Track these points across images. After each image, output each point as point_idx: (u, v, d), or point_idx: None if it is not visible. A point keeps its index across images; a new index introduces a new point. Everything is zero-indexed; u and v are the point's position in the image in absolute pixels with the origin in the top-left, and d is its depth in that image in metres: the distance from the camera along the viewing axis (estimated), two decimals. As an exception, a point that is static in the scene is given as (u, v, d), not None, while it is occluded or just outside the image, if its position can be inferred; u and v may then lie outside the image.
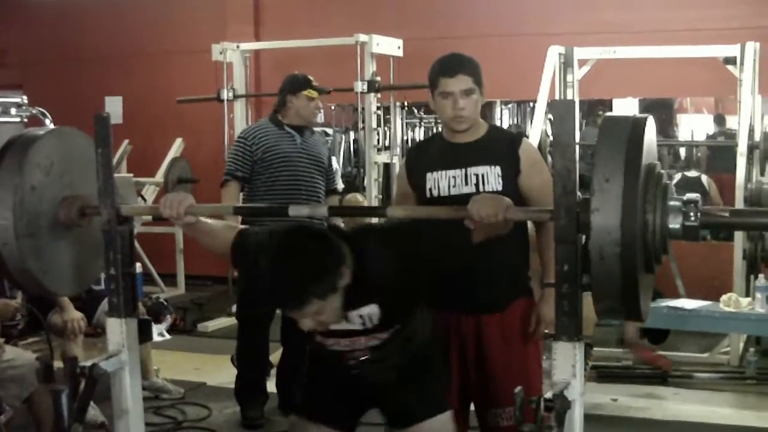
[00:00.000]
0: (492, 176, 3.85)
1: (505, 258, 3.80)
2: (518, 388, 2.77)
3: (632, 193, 2.59)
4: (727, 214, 2.84)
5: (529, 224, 4.02)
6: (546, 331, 3.87)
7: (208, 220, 3.45)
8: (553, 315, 3.56)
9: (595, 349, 6.48)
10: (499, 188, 3.80)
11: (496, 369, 3.91)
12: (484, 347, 3.91)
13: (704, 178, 9.84)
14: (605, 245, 2.60)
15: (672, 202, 2.71)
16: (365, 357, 3.36)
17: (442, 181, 3.88)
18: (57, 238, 3.48)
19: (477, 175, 3.86)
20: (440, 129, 4.19)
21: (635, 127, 2.70)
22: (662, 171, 2.76)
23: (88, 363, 3.26)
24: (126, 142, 10.15)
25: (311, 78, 6.03)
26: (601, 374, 6.93)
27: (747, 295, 7.07)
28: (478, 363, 3.93)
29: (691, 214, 2.70)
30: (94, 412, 5.04)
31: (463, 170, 3.87)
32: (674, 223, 2.68)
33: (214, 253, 3.52)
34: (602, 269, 2.63)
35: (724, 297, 6.85)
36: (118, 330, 3.45)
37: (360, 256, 3.16)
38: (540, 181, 3.84)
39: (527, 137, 4.28)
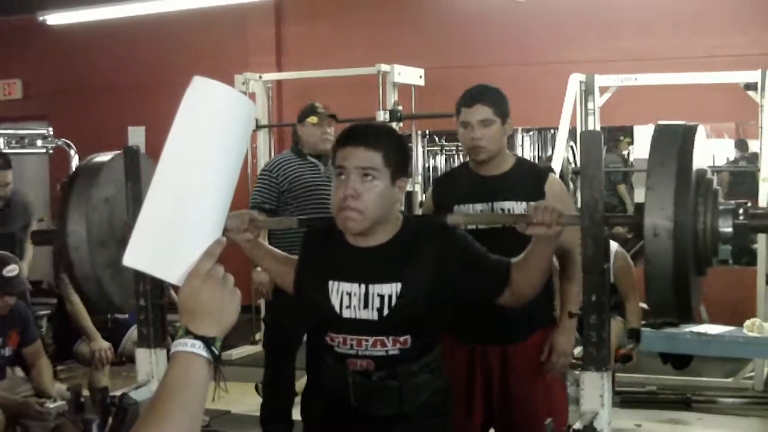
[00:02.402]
0: (519, 212, 3.82)
1: None
2: (548, 420, 2.78)
3: (684, 197, 2.64)
4: None
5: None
6: (559, 361, 3.87)
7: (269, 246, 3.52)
8: (567, 345, 3.58)
9: (618, 374, 6.47)
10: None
11: (521, 399, 3.90)
12: (509, 377, 3.92)
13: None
14: (659, 247, 2.64)
15: (722, 206, 2.76)
16: (369, 368, 3.05)
17: (468, 213, 3.88)
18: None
19: (504, 210, 3.87)
20: (464, 158, 4.22)
21: (686, 134, 2.78)
22: (712, 177, 2.81)
23: (118, 393, 3.29)
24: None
25: (317, 105, 6.06)
26: (624, 399, 6.92)
27: (769, 320, 7.06)
28: (503, 394, 3.93)
29: (741, 215, 2.75)
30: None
31: (490, 205, 3.88)
32: (725, 226, 2.73)
33: (278, 282, 3.49)
34: (658, 273, 2.68)
35: (747, 322, 6.83)
36: (147, 360, 3.48)
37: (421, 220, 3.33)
38: None
39: (554, 172, 4.26)
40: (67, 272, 3.41)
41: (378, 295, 3.01)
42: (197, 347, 1.67)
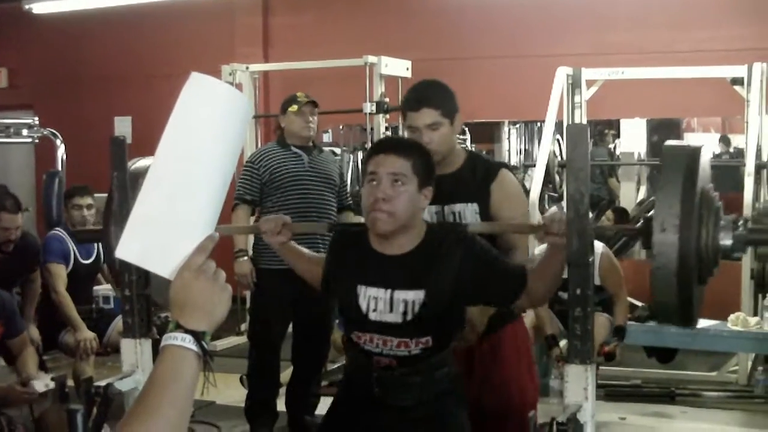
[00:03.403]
0: (469, 213, 3.76)
1: None
2: (532, 413, 2.79)
3: (689, 214, 2.77)
4: None
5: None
6: (467, 331, 3.68)
7: (299, 246, 3.65)
8: (477, 316, 3.57)
9: (602, 368, 6.49)
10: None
11: (496, 385, 3.87)
12: (485, 365, 3.87)
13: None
14: (665, 259, 2.77)
15: (723, 222, 2.90)
16: (391, 365, 3.26)
17: (425, 218, 3.64)
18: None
19: (454, 213, 3.78)
20: None
21: (692, 156, 2.88)
22: (715, 194, 2.96)
23: (103, 383, 3.29)
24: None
25: (298, 94, 6.03)
26: (609, 393, 6.94)
27: (755, 314, 7.10)
28: (480, 382, 3.89)
29: (741, 230, 2.92)
30: (106, 432, 5.07)
31: (442, 207, 3.76)
32: (725, 240, 2.89)
33: (306, 280, 3.63)
34: (662, 282, 2.79)
35: (732, 316, 6.88)
36: (132, 350, 3.50)
37: (443, 227, 3.40)
38: (507, 216, 3.73)
39: (508, 167, 4.03)
40: (111, 271, 3.54)
41: (403, 300, 3.22)
42: (187, 341, 1.68)
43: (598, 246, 6.14)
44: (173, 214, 1.77)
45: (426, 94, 3.79)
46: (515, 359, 3.93)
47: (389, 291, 3.23)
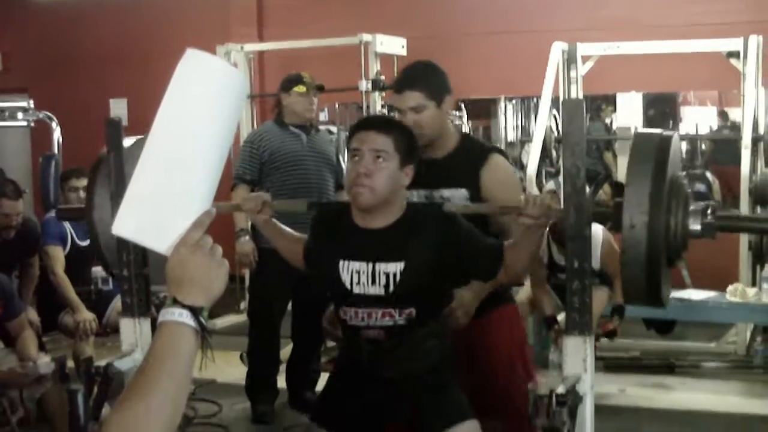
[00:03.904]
0: (458, 199, 3.69)
1: None
2: (531, 384, 2.80)
3: (657, 202, 2.79)
4: (744, 216, 3.08)
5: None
6: (460, 315, 3.62)
7: (281, 225, 3.67)
8: (469, 299, 3.57)
9: (601, 339, 6.51)
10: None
11: (482, 379, 3.77)
12: (465, 352, 3.73)
13: (708, 175, 9.88)
14: (634, 242, 2.80)
15: (692, 207, 2.92)
16: (379, 338, 3.29)
17: (412, 200, 3.63)
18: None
19: (443, 198, 3.71)
20: None
21: (662, 143, 2.90)
22: (684, 181, 2.99)
23: (103, 363, 3.30)
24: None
25: (303, 75, 6.05)
26: (608, 365, 6.97)
27: (753, 285, 7.13)
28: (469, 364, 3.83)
29: (709, 216, 2.93)
30: (106, 411, 5.06)
31: (430, 192, 3.71)
32: (694, 225, 2.91)
33: (288, 258, 3.69)
34: (631, 263, 2.83)
35: (730, 287, 6.90)
36: (131, 330, 3.50)
37: (424, 205, 3.46)
38: (500, 200, 3.66)
39: (501, 152, 3.97)
40: (94, 244, 3.61)
41: (384, 272, 3.27)
42: (184, 316, 1.68)
43: (598, 231, 6.15)
44: (169, 190, 1.76)
45: (411, 76, 3.75)
46: (505, 342, 3.89)
47: (371, 264, 3.28)
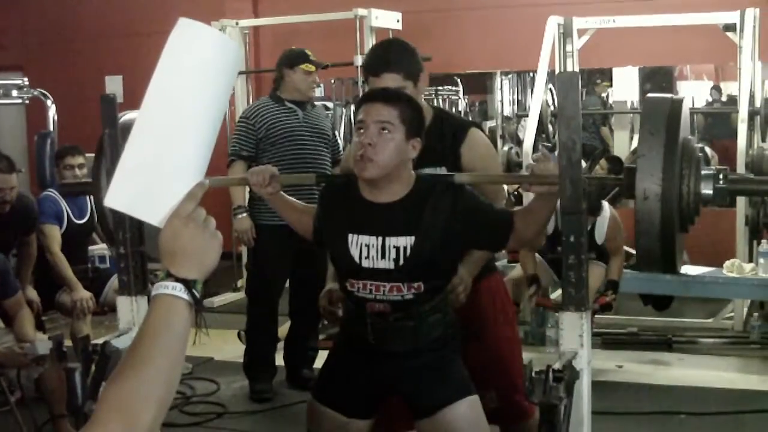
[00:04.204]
0: None
1: None
2: (528, 360, 2.80)
3: (671, 163, 2.82)
4: (754, 178, 3.11)
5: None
6: (460, 291, 3.57)
7: (290, 198, 3.65)
8: (467, 275, 3.55)
9: (598, 316, 6.53)
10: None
11: (472, 351, 3.69)
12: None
13: (708, 150, 9.88)
14: (649, 206, 2.82)
15: (704, 171, 2.93)
16: (385, 311, 3.27)
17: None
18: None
19: None
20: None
21: (673, 106, 2.92)
22: (696, 145, 3.00)
23: (100, 341, 3.30)
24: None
25: (309, 52, 6.05)
26: (605, 341, 6.99)
27: (750, 260, 7.13)
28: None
29: (721, 180, 2.94)
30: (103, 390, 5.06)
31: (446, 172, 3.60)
32: (707, 189, 2.93)
33: (298, 231, 3.64)
34: (646, 231, 2.85)
35: (727, 263, 6.91)
36: (128, 308, 3.49)
37: (434, 178, 3.39)
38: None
39: (478, 126, 3.88)
40: (102, 226, 3.55)
41: (394, 246, 3.25)
42: (178, 290, 1.67)
43: (605, 207, 6.19)
44: (162, 162, 1.75)
45: (386, 57, 3.64)
46: (491, 312, 3.87)
47: (380, 238, 3.25)
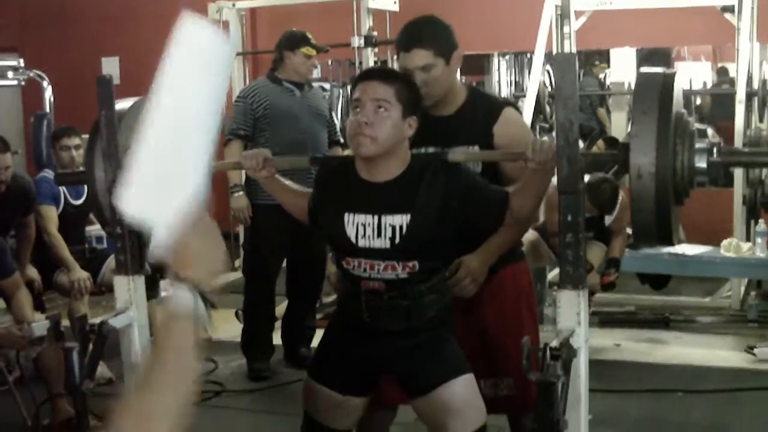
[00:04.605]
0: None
1: None
2: (525, 338, 2.80)
3: (665, 138, 2.83)
4: (746, 150, 3.13)
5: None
6: (467, 283, 3.54)
7: (284, 179, 3.63)
8: (476, 266, 3.53)
9: (597, 295, 6.54)
10: (478, 169, 3.53)
11: (491, 338, 3.74)
12: (475, 309, 3.69)
13: (709, 131, 9.89)
14: (643, 182, 2.84)
15: (698, 145, 2.97)
16: (380, 289, 3.27)
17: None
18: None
19: None
20: None
21: (666, 81, 2.93)
22: (689, 119, 3.02)
23: (97, 320, 3.30)
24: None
25: (309, 35, 6.05)
26: (603, 319, 7.00)
27: (747, 239, 7.15)
28: (472, 332, 3.71)
29: (715, 153, 2.99)
30: (101, 369, 5.06)
31: (442, 149, 3.50)
32: (700, 162, 2.96)
33: (293, 213, 3.64)
34: (642, 211, 2.88)
35: (724, 242, 6.92)
36: (125, 287, 3.49)
37: (429, 157, 3.39)
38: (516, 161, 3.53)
39: (513, 106, 3.85)
40: (96, 214, 3.65)
41: (390, 225, 3.24)
42: (187, 298, 1.69)
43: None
44: (169, 163, 1.76)
45: (417, 33, 3.57)
46: (514, 300, 3.82)
47: (376, 217, 3.25)
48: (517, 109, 3.91)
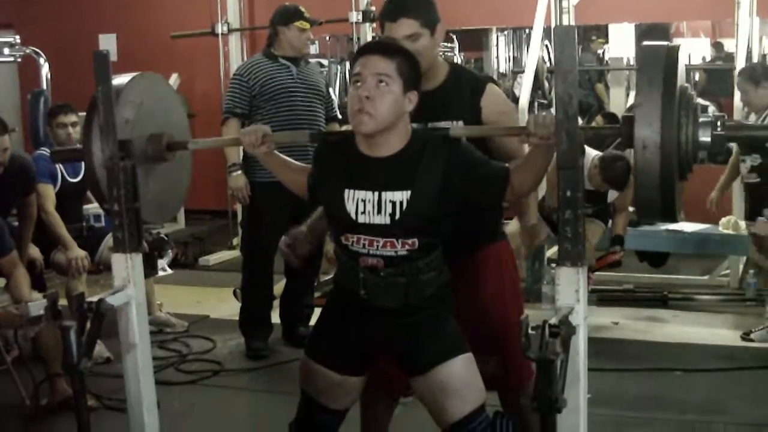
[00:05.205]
0: None
1: None
2: (524, 316, 2.78)
3: (669, 111, 2.81)
4: (751, 124, 3.14)
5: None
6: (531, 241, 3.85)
7: (284, 156, 3.61)
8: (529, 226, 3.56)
9: (596, 273, 6.54)
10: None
11: (478, 316, 3.70)
12: (458, 287, 3.59)
13: (711, 108, 9.87)
14: (648, 153, 2.82)
15: (702, 118, 2.95)
16: (378, 266, 3.25)
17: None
18: (145, 170, 3.59)
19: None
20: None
21: (670, 53, 2.91)
22: (693, 92, 3.00)
23: (95, 299, 3.28)
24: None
25: (303, 9, 6.02)
26: (601, 297, 7.00)
27: (746, 218, 7.11)
28: (459, 310, 3.78)
29: (719, 126, 2.96)
30: (99, 348, 5.06)
31: (425, 125, 3.52)
32: (704, 136, 2.95)
33: (293, 189, 3.61)
34: (646, 186, 2.88)
35: (723, 220, 6.92)
36: (123, 265, 3.47)
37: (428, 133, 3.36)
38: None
39: (494, 82, 3.85)
40: (92, 191, 3.60)
41: (390, 201, 3.22)
42: None
43: None
44: None
45: (403, 3, 3.58)
46: (497, 278, 3.81)
47: (377, 193, 3.23)
48: (498, 84, 3.93)
